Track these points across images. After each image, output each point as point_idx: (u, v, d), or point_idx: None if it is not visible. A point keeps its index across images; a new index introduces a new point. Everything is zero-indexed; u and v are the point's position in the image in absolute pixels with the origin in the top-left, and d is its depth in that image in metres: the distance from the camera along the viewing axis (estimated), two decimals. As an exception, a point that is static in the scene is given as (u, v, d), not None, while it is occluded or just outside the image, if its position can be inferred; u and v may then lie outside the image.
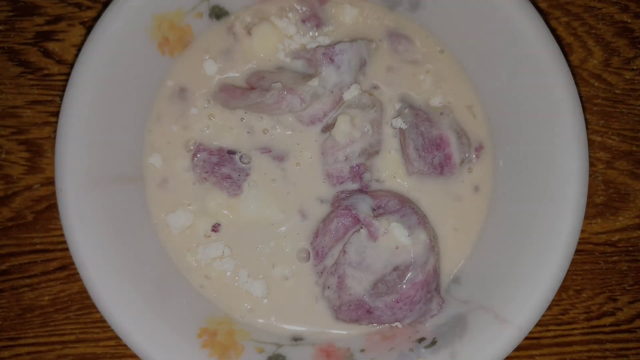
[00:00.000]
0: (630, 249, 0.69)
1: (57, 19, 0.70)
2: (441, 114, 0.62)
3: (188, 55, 0.62)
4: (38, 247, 0.66)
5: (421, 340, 0.56)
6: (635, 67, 0.70)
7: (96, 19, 0.69)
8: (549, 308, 0.63)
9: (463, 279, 0.60)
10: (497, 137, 0.62)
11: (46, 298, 0.65)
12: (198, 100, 0.61)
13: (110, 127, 0.57)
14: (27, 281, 0.66)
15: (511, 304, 0.53)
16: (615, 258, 0.68)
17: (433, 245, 0.56)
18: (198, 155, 0.60)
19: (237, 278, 0.59)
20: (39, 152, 0.67)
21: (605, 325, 0.68)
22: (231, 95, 0.59)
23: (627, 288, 0.68)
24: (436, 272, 0.57)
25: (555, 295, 0.63)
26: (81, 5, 0.70)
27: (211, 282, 0.59)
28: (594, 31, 0.71)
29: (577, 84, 0.70)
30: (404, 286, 0.55)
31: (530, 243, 0.55)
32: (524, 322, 0.52)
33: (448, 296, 0.59)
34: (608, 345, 0.67)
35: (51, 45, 0.69)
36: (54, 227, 0.66)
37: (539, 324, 0.55)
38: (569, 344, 0.67)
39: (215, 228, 0.60)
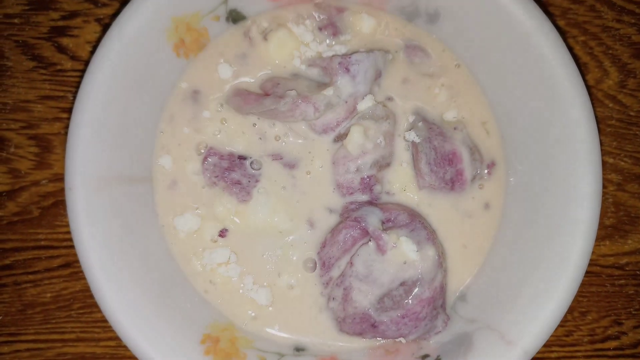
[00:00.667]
0: (638, 273, 0.68)
1: (73, 14, 0.69)
2: (455, 128, 0.61)
3: (203, 58, 0.61)
4: (43, 243, 0.66)
5: (425, 357, 0.55)
6: (651, 90, 0.70)
7: (113, 16, 0.69)
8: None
9: (469, 296, 0.59)
10: (510, 155, 0.61)
11: (48, 295, 0.65)
12: (211, 103, 0.61)
13: (122, 127, 0.57)
14: (30, 277, 0.65)
15: (518, 325, 0.52)
16: (622, 281, 0.68)
17: (441, 261, 0.56)
18: (209, 159, 0.60)
19: (242, 285, 0.59)
20: (48, 147, 0.67)
21: (609, 349, 0.67)
22: (245, 100, 0.59)
23: (633, 312, 0.68)
24: (443, 289, 0.57)
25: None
26: (97, 2, 0.69)
27: (216, 288, 0.59)
28: (610, 52, 0.70)
29: (592, 104, 0.69)
30: (410, 302, 0.54)
31: (539, 264, 0.55)
32: (529, 345, 0.51)
33: (454, 314, 0.58)
34: (611, 369, 0.67)
35: (65, 41, 0.69)
36: (59, 224, 0.66)
37: (544, 344, 0.55)
38: (572, 366, 0.67)
39: (222, 233, 0.59)
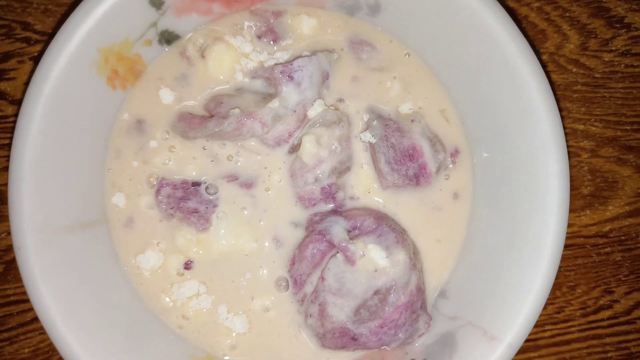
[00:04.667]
0: (623, 238, 0.66)
1: (6, 56, 0.66)
2: (412, 121, 0.59)
3: (142, 86, 0.59)
4: (12, 298, 0.64)
5: (410, 362, 0.54)
6: (614, 48, 0.67)
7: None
8: (544, 307, 0.61)
9: (449, 293, 0.57)
10: (473, 141, 0.59)
11: (26, 350, 0.63)
12: (157, 132, 0.58)
13: (66, 172, 0.54)
14: (5, 335, 0.64)
15: (499, 320, 0.51)
16: (607, 249, 0.66)
17: (414, 262, 0.54)
18: (162, 190, 0.57)
19: (216, 314, 0.57)
20: (2, 199, 0.65)
21: (603, 320, 0.66)
22: (189, 125, 0.56)
23: (623, 279, 0.66)
24: (420, 290, 0.55)
25: (549, 294, 0.61)
26: (29, 40, 0.66)
27: (189, 322, 0.57)
28: (568, 14, 0.67)
29: (554, 71, 0.67)
30: (387, 310, 0.52)
31: (515, 252, 0.53)
32: (513, 339, 0.50)
33: (435, 312, 0.57)
34: (608, 340, 0.65)
35: (2, 85, 0.66)
36: (24, 276, 0.64)
37: (534, 324, 0.53)
38: (568, 342, 0.65)
39: (187, 265, 0.57)
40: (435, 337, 0.54)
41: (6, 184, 0.64)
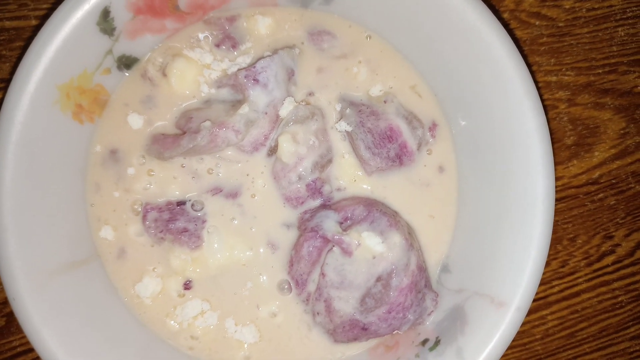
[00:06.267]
0: (614, 181, 0.66)
1: (-31, 109, 0.65)
2: (385, 102, 0.58)
3: (109, 115, 0.58)
4: (19, 349, 0.63)
5: (425, 342, 0.54)
6: (572, -5, 0.67)
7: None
8: (548, 264, 0.61)
9: (451, 266, 0.57)
10: (449, 112, 0.58)
11: (41, 398, 0.63)
12: (133, 158, 0.58)
13: (47, 213, 0.53)
14: (18, 386, 0.63)
15: (505, 285, 0.50)
16: (600, 195, 0.66)
17: (411, 243, 0.54)
18: (148, 216, 0.56)
19: (225, 329, 0.57)
20: (-10, 252, 0.64)
21: (607, 265, 0.66)
22: (163, 145, 0.56)
23: (620, 222, 0.66)
24: (422, 269, 0.54)
25: (551, 249, 0.61)
26: (-11, 89, 0.65)
27: (199, 342, 0.56)
28: (521, -32, 0.67)
29: (517, 27, 0.66)
30: (392, 294, 0.52)
31: (508, 214, 0.53)
32: (521, 301, 0.49)
33: (441, 288, 0.57)
34: (615, 284, 0.65)
35: (-29, 139, 0.65)
36: (27, 325, 0.63)
37: (541, 282, 0.53)
38: (577, 294, 0.65)
39: (187, 285, 0.57)
40: (445, 313, 0.54)
41: (-8, 237, 0.64)
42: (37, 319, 0.50)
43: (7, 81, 0.64)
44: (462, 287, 0.54)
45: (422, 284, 0.54)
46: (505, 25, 0.65)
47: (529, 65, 0.57)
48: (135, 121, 0.58)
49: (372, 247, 0.52)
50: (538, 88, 0.57)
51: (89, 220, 0.57)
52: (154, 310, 0.56)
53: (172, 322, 0.56)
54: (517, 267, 0.50)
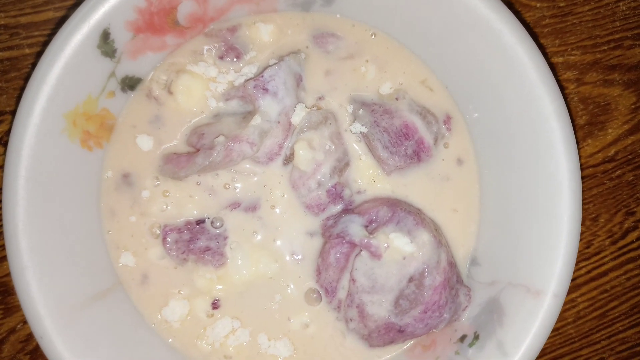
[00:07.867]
0: (630, 157, 0.66)
1: (-30, 145, 0.63)
2: (397, 99, 0.57)
3: (117, 139, 0.56)
4: (46, 386, 0.62)
5: (463, 338, 0.53)
6: (571, -27, 0.66)
7: (9, 133, 0.63)
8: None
9: (480, 259, 0.56)
10: (462, 103, 0.58)
11: None
12: (146, 181, 0.56)
13: (65, 246, 0.52)
14: None
15: (539, 272, 0.50)
16: (618, 172, 0.65)
17: (439, 239, 0.53)
18: (167, 238, 0.55)
19: (258, 345, 0.55)
20: (7, 290, 0.62)
21: (633, 242, 0.65)
22: (177, 165, 0.54)
23: (640, 196, 0.66)
24: (452, 265, 0.54)
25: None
26: (-11, 122, 0.63)
27: (233, 360, 0.55)
28: (517, -48, 0.66)
29: (519, 11, 0.66)
30: (426, 293, 0.51)
31: (533, 199, 0.52)
32: (557, 288, 0.49)
33: (472, 282, 0.56)
34: (642, 260, 0.65)
35: (-26, 175, 0.63)
36: None
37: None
38: (605, 273, 0.65)
39: (215, 305, 0.55)
40: (480, 307, 0.53)
41: (7, 275, 0.62)
42: (66, 356, 0.48)
43: (5, 113, 0.63)
44: (495, 279, 0.54)
45: (454, 280, 0.53)
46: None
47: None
48: (145, 142, 0.56)
49: (402, 248, 0.51)
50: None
51: (108, 249, 0.56)
52: (184, 334, 0.55)
53: (204, 343, 0.55)
54: (550, 252, 0.49)
